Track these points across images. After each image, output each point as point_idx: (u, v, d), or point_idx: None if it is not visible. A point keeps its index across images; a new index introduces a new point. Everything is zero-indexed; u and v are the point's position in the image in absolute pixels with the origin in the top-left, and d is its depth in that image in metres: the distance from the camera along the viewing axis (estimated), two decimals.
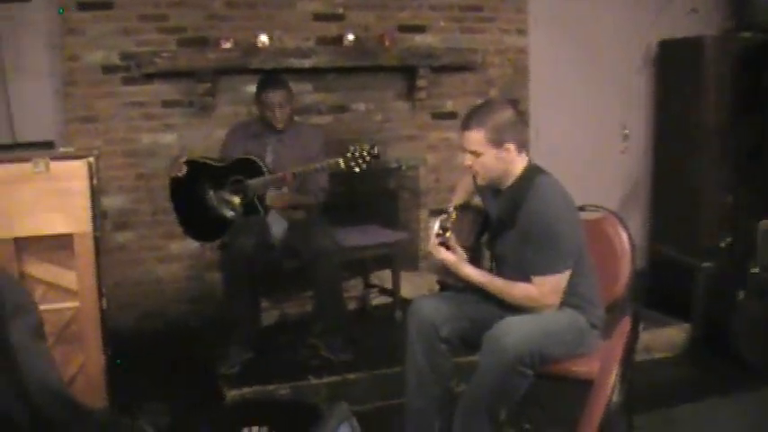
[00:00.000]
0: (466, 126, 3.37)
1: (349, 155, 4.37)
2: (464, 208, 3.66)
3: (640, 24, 6.55)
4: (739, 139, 5.73)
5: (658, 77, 6.54)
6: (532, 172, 3.40)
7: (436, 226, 3.44)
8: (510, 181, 3.41)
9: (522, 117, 3.44)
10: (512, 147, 3.32)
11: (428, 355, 3.44)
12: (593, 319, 3.41)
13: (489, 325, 3.25)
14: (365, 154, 4.35)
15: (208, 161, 4.79)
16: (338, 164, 4.39)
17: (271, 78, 4.84)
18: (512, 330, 3.16)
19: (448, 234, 3.39)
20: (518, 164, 3.39)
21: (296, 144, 4.81)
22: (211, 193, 4.75)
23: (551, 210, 3.29)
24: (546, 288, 3.28)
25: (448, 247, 3.41)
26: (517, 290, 3.35)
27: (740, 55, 5.72)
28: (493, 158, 3.34)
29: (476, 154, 3.35)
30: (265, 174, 4.60)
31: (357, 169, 4.37)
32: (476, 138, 3.32)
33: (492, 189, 3.52)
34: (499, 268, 3.53)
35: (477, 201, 3.77)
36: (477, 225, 3.56)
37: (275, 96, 4.70)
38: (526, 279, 3.33)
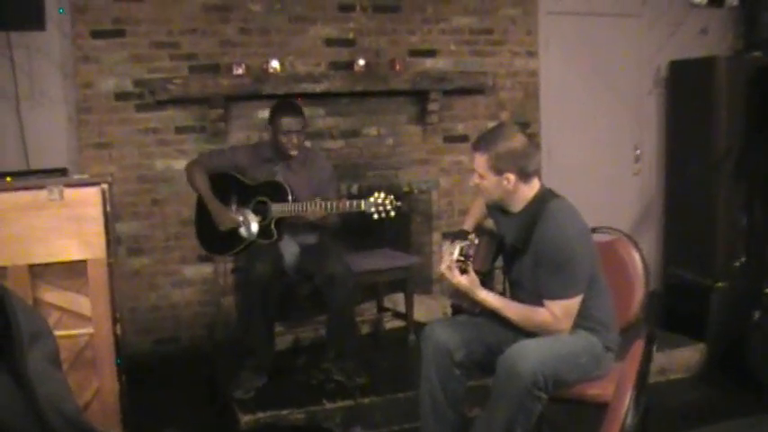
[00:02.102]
0: (474, 147, 3.44)
1: (372, 200, 4.35)
2: (480, 232, 3.66)
3: (651, 46, 6.58)
4: (752, 158, 5.71)
5: (670, 98, 6.54)
6: (545, 196, 3.40)
7: (456, 252, 3.43)
8: (521, 205, 3.42)
9: (534, 143, 3.43)
10: (512, 177, 3.33)
11: (443, 380, 3.44)
12: (607, 342, 3.40)
13: (503, 349, 3.24)
14: (387, 204, 4.34)
15: (239, 177, 4.81)
16: (360, 205, 4.38)
17: (288, 105, 4.84)
18: (526, 354, 3.16)
19: (470, 260, 3.40)
20: (525, 191, 3.40)
21: (304, 170, 4.82)
22: (234, 207, 4.76)
23: (564, 234, 3.29)
24: (557, 312, 3.28)
25: (464, 272, 3.41)
26: (529, 313, 3.35)
27: (752, 75, 5.71)
28: (493, 184, 3.38)
29: (480, 176, 3.40)
30: (289, 201, 4.61)
31: (376, 216, 4.36)
32: (480, 161, 3.38)
33: (501, 210, 3.53)
34: (514, 293, 3.52)
35: (489, 223, 3.77)
36: (492, 250, 3.56)
37: (293, 123, 4.69)
38: (542, 303, 3.34)
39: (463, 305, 3.55)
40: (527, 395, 3.11)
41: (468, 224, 3.83)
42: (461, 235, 3.59)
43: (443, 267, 3.50)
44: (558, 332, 3.30)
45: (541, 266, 3.31)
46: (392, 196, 4.34)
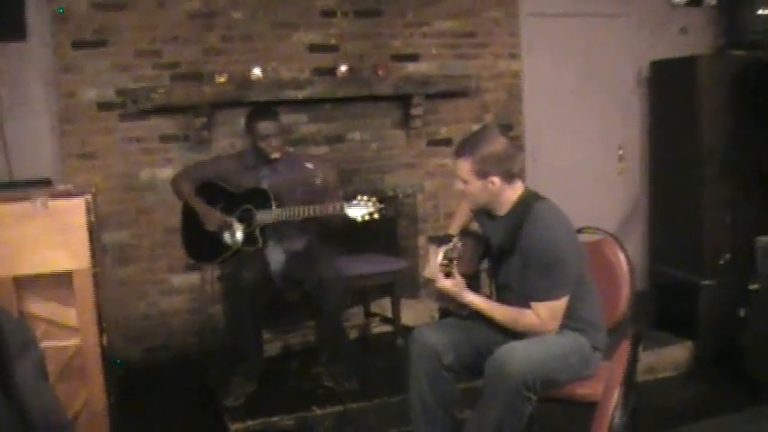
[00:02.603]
0: (456, 154, 3.44)
1: (355, 202, 4.36)
2: (465, 235, 3.67)
3: (632, 46, 6.59)
4: (736, 156, 5.74)
5: (653, 98, 6.56)
6: (529, 199, 3.41)
7: (440, 256, 3.44)
8: (505, 208, 3.43)
9: (516, 145, 3.44)
10: (496, 180, 3.35)
11: (432, 384, 3.44)
12: (595, 342, 3.41)
13: (492, 350, 3.25)
14: (371, 205, 4.35)
15: (224, 186, 4.80)
16: (342, 208, 4.40)
17: (262, 109, 4.86)
18: (515, 355, 3.16)
19: (453, 264, 3.39)
20: (509, 193, 3.41)
21: (291, 174, 4.81)
22: (218, 215, 4.76)
23: (550, 236, 3.30)
24: (544, 313, 3.29)
25: (449, 276, 3.41)
26: (516, 315, 3.36)
27: (733, 73, 5.74)
28: (478, 188, 3.38)
29: (464, 182, 3.40)
30: (272, 208, 4.61)
31: (359, 219, 4.38)
32: (463, 167, 3.38)
33: (487, 214, 3.54)
34: (501, 296, 3.52)
35: (475, 226, 3.78)
36: (478, 252, 3.56)
37: (270, 127, 4.70)
38: (529, 305, 3.34)
39: (450, 308, 3.56)
40: (516, 396, 3.12)
41: (454, 228, 3.84)
42: (446, 239, 3.60)
43: (427, 272, 3.51)
44: (544, 333, 3.31)
45: (529, 268, 3.32)
46: (374, 198, 4.35)
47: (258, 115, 4.76)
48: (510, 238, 3.39)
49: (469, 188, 3.41)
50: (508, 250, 3.41)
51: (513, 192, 3.42)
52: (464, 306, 3.47)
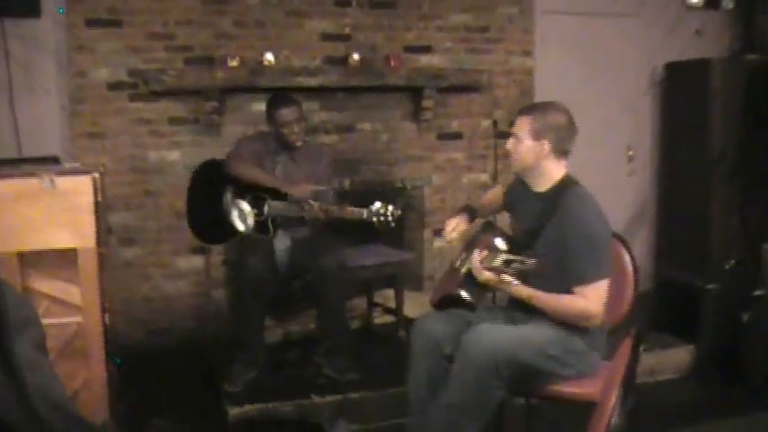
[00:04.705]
0: (521, 111, 3.53)
1: (374, 209, 4.33)
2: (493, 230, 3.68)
3: (646, 47, 6.56)
4: (746, 161, 5.72)
5: (665, 100, 6.54)
6: (571, 183, 3.45)
7: (476, 255, 3.41)
8: (547, 185, 3.47)
9: (574, 128, 3.47)
10: (547, 145, 3.39)
11: (431, 374, 3.44)
12: (592, 342, 3.37)
13: None
14: (389, 214, 4.32)
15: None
16: (361, 214, 4.37)
17: (280, 97, 4.83)
18: (485, 336, 3.21)
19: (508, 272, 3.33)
20: (554, 168, 3.45)
21: (305, 162, 4.83)
22: (229, 197, 4.73)
23: (589, 215, 3.34)
24: (591, 294, 3.25)
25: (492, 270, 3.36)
26: (565, 301, 3.31)
27: (747, 77, 5.72)
28: (528, 148, 3.42)
29: (517, 139, 3.45)
30: (288, 199, 4.60)
31: (377, 224, 4.36)
32: (522, 122, 3.45)
33: (524, 188, 3.56)
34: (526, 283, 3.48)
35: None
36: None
37: (289, 114, 4.70)
38: (555, 290, 3.32)
39: (468, 299, 3.53)
40: (482, 378, 3.16)
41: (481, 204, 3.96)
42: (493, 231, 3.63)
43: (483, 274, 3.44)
44: (592, 318, 3.27)
45: (566, 250, 3.28)
46: (392, 207, 4.32)
47: (276, 103, 4.76)
48: (544, 214, 3.41)
49: (520, 147, 3.44)
50: (537, 228, 3.40)
51: (558, 169, 3.46)
52: (481, 299, 3.49)
